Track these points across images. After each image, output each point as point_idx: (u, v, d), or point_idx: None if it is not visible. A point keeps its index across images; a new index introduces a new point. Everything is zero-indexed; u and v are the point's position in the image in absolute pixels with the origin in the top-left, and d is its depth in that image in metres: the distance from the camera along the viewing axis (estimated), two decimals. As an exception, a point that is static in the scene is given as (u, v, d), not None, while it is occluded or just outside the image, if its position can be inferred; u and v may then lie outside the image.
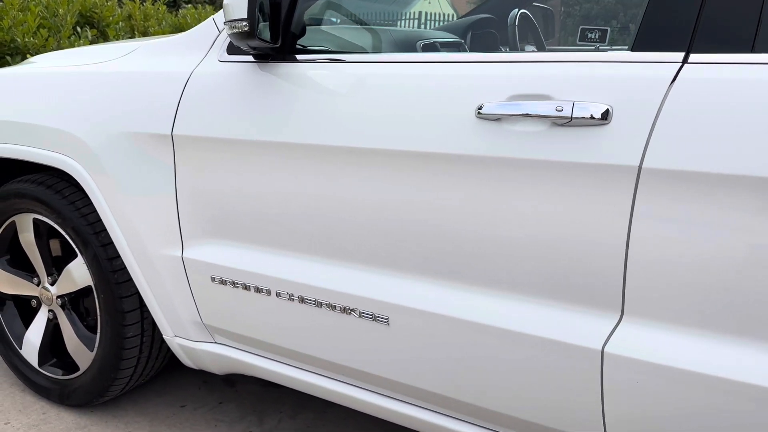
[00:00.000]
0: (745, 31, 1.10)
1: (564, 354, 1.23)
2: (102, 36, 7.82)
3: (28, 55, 6.60)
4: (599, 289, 1.20)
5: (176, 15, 9.78)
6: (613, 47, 1.54)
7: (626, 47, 1.25)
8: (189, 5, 10.46)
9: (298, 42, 1.58)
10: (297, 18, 1.52)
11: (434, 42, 2.09)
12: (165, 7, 9.35)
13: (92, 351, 2.00)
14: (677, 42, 1.14)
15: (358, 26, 2.03)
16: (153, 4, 9.11)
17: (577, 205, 1.18)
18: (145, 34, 8.60)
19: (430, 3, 2.84)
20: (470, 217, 1.29)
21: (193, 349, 1.84)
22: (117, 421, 2.08)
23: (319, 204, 1.48)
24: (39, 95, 1.93)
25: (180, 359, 1.92)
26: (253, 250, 1.63)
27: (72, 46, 7.08)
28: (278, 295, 1.59)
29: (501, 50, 2.34)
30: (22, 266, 2.17)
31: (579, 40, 1.43)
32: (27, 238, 2.05)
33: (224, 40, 1.65)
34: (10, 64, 6.49)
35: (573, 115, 1.14)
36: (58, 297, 2.05)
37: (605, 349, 1.20)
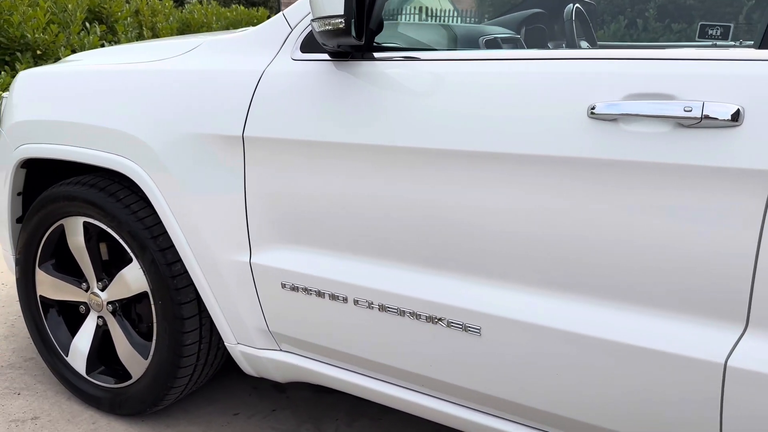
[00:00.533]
0: None
1: (682, 368, 1.17)
2: (110, 31, 7.74)
3: (38, 51, 6.51)
4: (723, 299, 1.14)
5: (182, 10, 9.70)
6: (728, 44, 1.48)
7: (739, 44, 1.19)
8: (194, 0, 10.37)
9: (375, 39, 1.51)
10: (376, 13, 1.45)
11: (495, 38, 2.02)
12: (172, 2, 9.27)
13: (146, 359, 1.93)
14: None
15: (421, 22, 1.96)
16: (160, 0, 9.03)
17: (702, 211, 1.12)
18: (153, 29, 8.51)
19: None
20: (581, 224, 1.22)
21: (258, 357, 1.77)
22: (170, 431, 2.02)
23: (408, 208, 1.41)
24: (93, 95, 1.86)
25: (241, 367, 1.86)
26: (328, 256, 1.56)
27: (82, 41, 7.00)
28: (356, 302, 1.53)
29: (558, 46, 2.28)
30: (67, 271, 2.10)
31: (698, 37, 1.36)
32: (77, 242, 1.98)
33: (297, 37, 1.58)
34: (20, 61, 6.40)
35: (703, 116, 1.08)
36: (108, 303, 1.98)
37: (728, 363, 1.14)
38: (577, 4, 2.34)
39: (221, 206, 1.65)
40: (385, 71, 1.47)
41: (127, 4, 8.09)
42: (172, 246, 1.78)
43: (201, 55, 1.74)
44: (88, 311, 2.08)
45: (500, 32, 2.18)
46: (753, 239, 1.09)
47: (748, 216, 1.09)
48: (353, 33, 1.34)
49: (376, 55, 1.50)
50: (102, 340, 2.08)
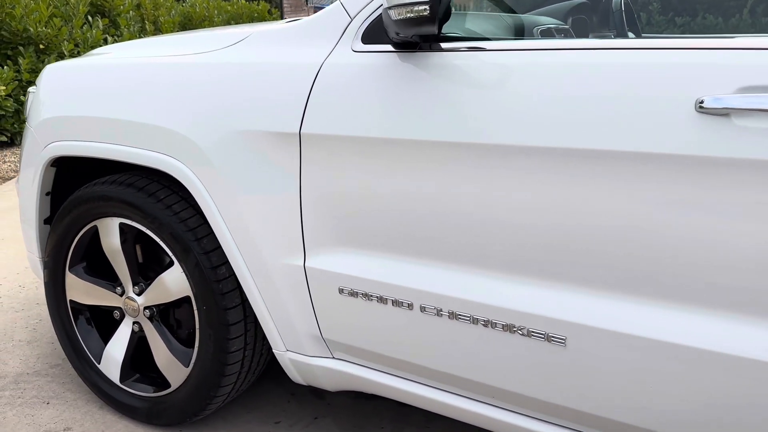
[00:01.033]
0: None
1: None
2: (113, 25, 7.60)
3: (41, 45, 6.37)
4: None
5: (183, 4, 9.55)
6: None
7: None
8: (195, -7, 10.18)
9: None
10: (445, 0, 1.34)
11: (549, 28, 1.93)
12: (173, -5, 9.12)
13: (187, 366, 1.84)
14: None
15: (467, 12, 1.86)
16: (162, -7, 8.87)
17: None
18: (155, 23, 8.38)
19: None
20: (686, 226, 1.13)
21: (308, 365, 1.69)
22: (211, 441, 1.94)
23: (488, 211, 1.32)
24: (133, 89, 1.75)
25: (288, 374, 1.77)
26: (392, 260, 1.47)
27: (84, 35, 6.86)
28: (423, 309, 1.44)
29: (605, 37, 2.19)
30: (100, 274, 2.01)
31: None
32: (112, 244, 1.89)
33: (357, 27, 1.48)
34: (22, 55, 6.26)
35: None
36: (145, 308, 1.89)
37: None
38: (625, -6, 2.26)
39: (274, 206, 1.56)
40: (454, 62, 1.38)
41: (129, -2, 7.95)
42: (218, 248, 1.69)
43: (250, 47, 1.64)
44: (122, 317, 1.98)
45: (551, 23, 2.09)
46: None
47: None
48: (437, 21, 1.24)
49: (443, 45, 1.41)
50: (137, 346, 1.99)
